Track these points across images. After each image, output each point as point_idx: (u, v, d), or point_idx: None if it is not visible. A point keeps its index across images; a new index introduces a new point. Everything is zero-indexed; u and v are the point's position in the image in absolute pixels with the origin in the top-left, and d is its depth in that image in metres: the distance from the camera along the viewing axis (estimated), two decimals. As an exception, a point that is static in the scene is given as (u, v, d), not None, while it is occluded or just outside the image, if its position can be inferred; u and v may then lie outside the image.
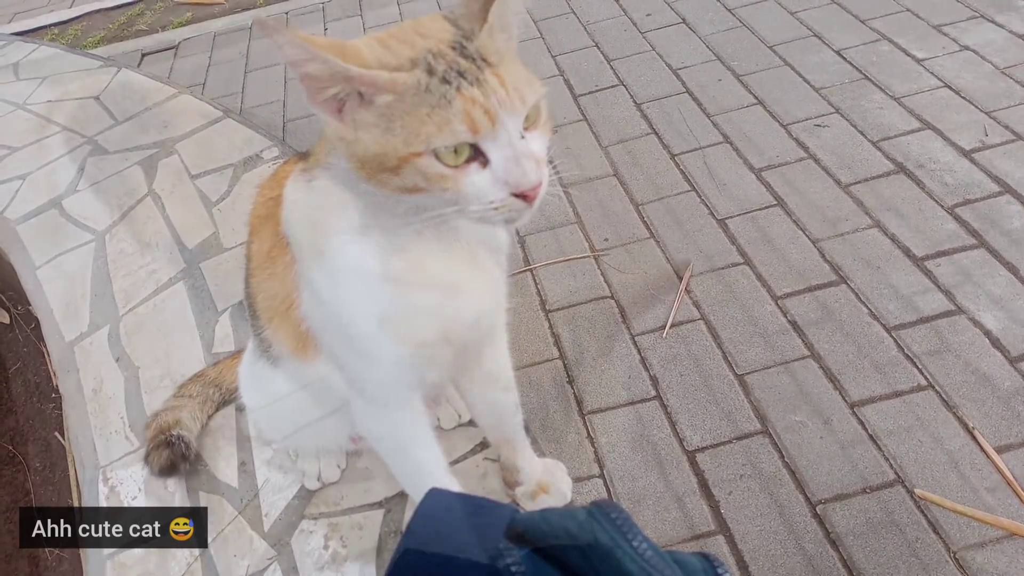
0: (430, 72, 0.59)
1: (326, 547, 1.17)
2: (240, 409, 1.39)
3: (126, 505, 1.30)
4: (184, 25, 3.03)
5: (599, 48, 2.30)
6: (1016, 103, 1.82)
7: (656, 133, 1.92)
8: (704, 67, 2.13)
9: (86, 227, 1.91)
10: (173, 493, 1.29)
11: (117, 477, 1.34)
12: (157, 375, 1.50)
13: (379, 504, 1.22)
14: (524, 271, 1.61)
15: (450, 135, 0.59)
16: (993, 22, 2.10)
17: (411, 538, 0.46)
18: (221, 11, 3.09)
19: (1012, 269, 1.45)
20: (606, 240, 1.66)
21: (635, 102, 2.05)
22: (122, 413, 1.45)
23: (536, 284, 1.58)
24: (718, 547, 1.13)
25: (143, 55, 2.79)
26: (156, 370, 1.51)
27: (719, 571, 0.47)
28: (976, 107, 1.83)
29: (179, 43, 2.86)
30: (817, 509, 1.16)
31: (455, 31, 0.62)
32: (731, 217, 1.66)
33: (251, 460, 1.32)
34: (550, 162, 0.66)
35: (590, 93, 2.11)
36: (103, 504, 1.31)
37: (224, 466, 1.32)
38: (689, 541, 1.15)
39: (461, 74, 0.60)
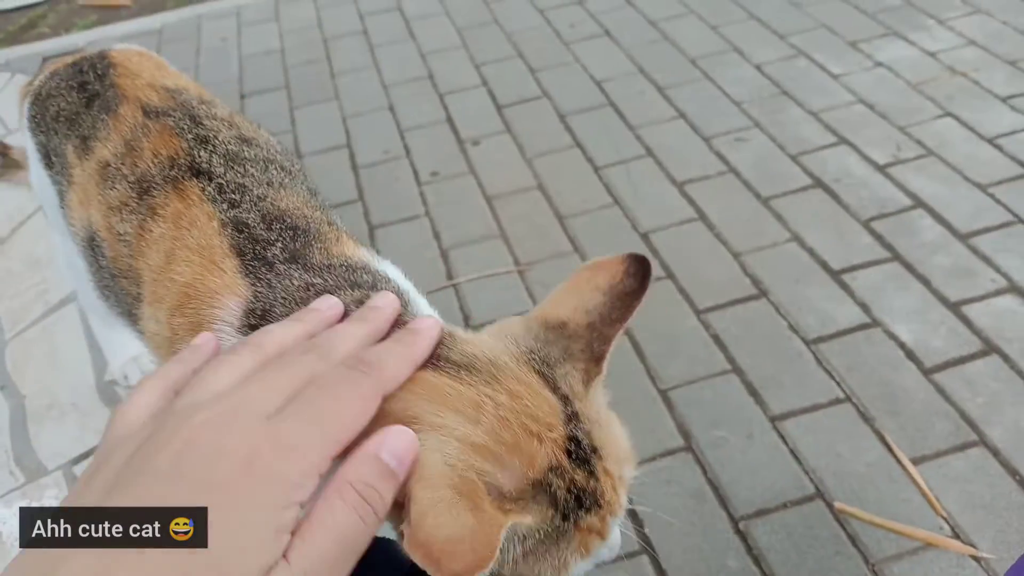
0: (554, 505, 0.45)
1: None
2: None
3: (8, 548, 1.21)
4: (90, 28, 2.90)
5: (523, 58, 2.29)
6: (928, 118, 1.87)
7: (580, 146, 1.92)
8: (627, 79, 2.14)
9: (-29, 242, 1.81)
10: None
11: (1, 516, 1.26)
12: (44, 403, 1.42)
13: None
14: (447, 286, 1.58)
15: (563, 570, 0.48)
16: (906, 39, 2.16)
17: None
18: (128, 14, 2.97)
19: (924, 282, 1.48)
20: (526, 255, 1.64)
21: (559, 114, 2.04)
22: (7, 446, 1.36)
23: (459, 300, 1.55)
24: (642, 568, 1.12)
25: (44, 59, 2.67)
26: (43, 398, 1.43)
27: None
28: (890, 122, 1.87)
29: (83, 47, 2.75)
30: (740, 525, 1.16)
31: (557, 400, 0.48)
32: (654, 231, 1.66)
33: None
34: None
35: (513, 105, 2.09)
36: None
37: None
38: (612, 562, 1.13)
39: (579, 499, 0.46)
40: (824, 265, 1.54)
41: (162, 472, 0.35)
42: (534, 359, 0.49)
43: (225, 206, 0.67)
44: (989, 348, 1.36)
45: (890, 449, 1.23)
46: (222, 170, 0.70)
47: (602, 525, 0.48)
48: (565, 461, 0.45)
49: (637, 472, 0.53)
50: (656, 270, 1.57)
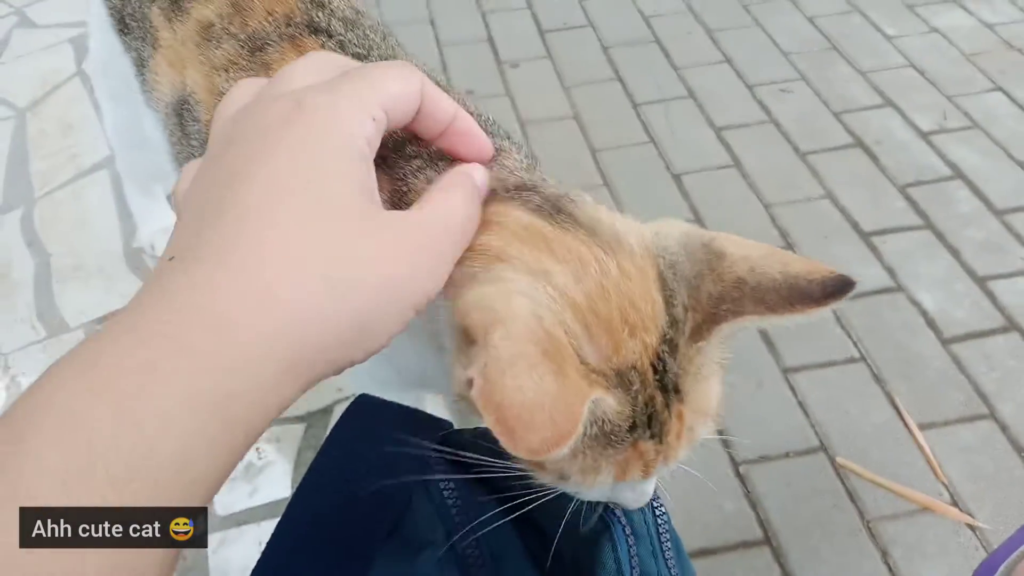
0: (632, 404, 0.40)
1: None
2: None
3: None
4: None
5: (571, -15, 2.23)
6: (976, 91, 1.83)
7: (621, 80, 1.88)
8: (676, 18, 2.09)
9: (6, 102, 1.80)
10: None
11: (19, 367, 1.29)
12: (70, 264, 1.43)
13: (300, 418, 1.20)
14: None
15: (590, 478, 0.42)
16: (964, 8, 2.10)
17: (334, 442, 0.43)
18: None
19: (954, 253, 1.46)
20: (560, 183, 1.62)
21: (603, 45, 2.00)
22: (29, 301, 1.38)
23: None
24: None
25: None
26: (70, 259, 1.44)
27: (655, 502, 0.46)
28: (938, 90, 1.83)
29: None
30: (740, 469, 1.17)
31: (666, 317, 0.41)
32: (687, 173, 1.64)
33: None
34: None
35: (557, 31, 2.05)
36: (2, 393, 1.26)
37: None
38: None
39: (649, 419, 0.41)
40: (855, 225, 1.52)
41: (219, 153, 0.35)
42: (663, 259, 0.42)
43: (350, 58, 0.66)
44: (1011, 325, 1.35)
45: (899, 412, 1.23)
46: (342, 30, 0.68)
47: (653, 461, 0.42)
48: (649, 372, 0.40)
49: (709, 436, 0.47)
50: (684, 213, 1.55)
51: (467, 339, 0.39)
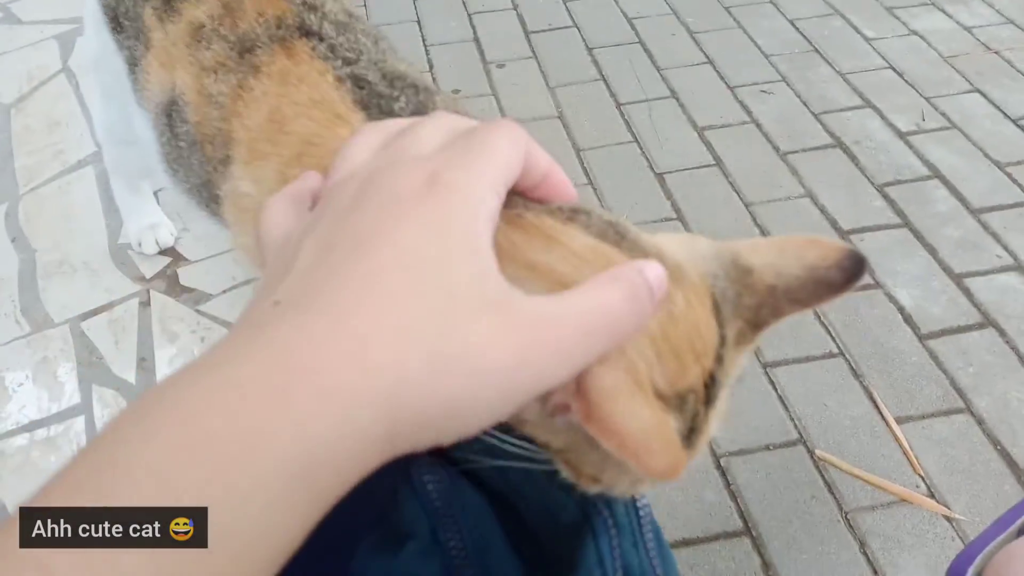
0: (687, 426, 0.42)
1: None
2: (143, 303, 1.35)
3: (11, 392, 1.24)
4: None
5: (556, -13, 2.25)
6: (954, 92, 1.86)
7: (605, 80, 1.90)
8: (659, 20, 2.11)
9: (-10, 98, 1.80)
10: (63, 383, 1.24)
11: (4, 362, 1.28)
12: (55, 259, 1.44)
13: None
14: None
15: (635, 486, 0.45)
16: (943, 11, 2.13)
17: None
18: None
19: (931, 251, 1.49)
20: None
21: (587, 46, 2.01)
22: (14, 296, 1.38)
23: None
24: (622, 490, 1.14)
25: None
26: (55, 254, 1.45)
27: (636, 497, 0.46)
28: (917, 91, 1.86)
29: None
30: (720, 461, 1.18)
31: (718, 338, 0.43)
32: (669, 172, 1.66)
33: (151, 357, 1.27)
34: None
35: (542, 31, 2.06)
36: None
37: (122, 361, 1.27)
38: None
39: (692, 432, 0.42)
40: (834, 224, 1.54)
41: (347, 208, 0.35)
42: (715, 286, 0.44)
43: (339, 63, 0.66)
44: (987, 321, 1.37)
45: (876, 406, 1.25)
46: (333, 33, 0.69)
47: (684, 465, 0.41)
48: (702, 391, 0.41)
49: None
50: (666, 211, 1.57)
51: None
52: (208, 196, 0.76)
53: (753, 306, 0.44)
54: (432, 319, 0.31)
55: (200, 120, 0.72)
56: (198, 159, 0.74)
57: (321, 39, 0.68)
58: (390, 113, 0.61)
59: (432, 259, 0.32)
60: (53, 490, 0.26)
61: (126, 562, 0.25)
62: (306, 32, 0.68)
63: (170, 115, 0.77)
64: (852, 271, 0.44)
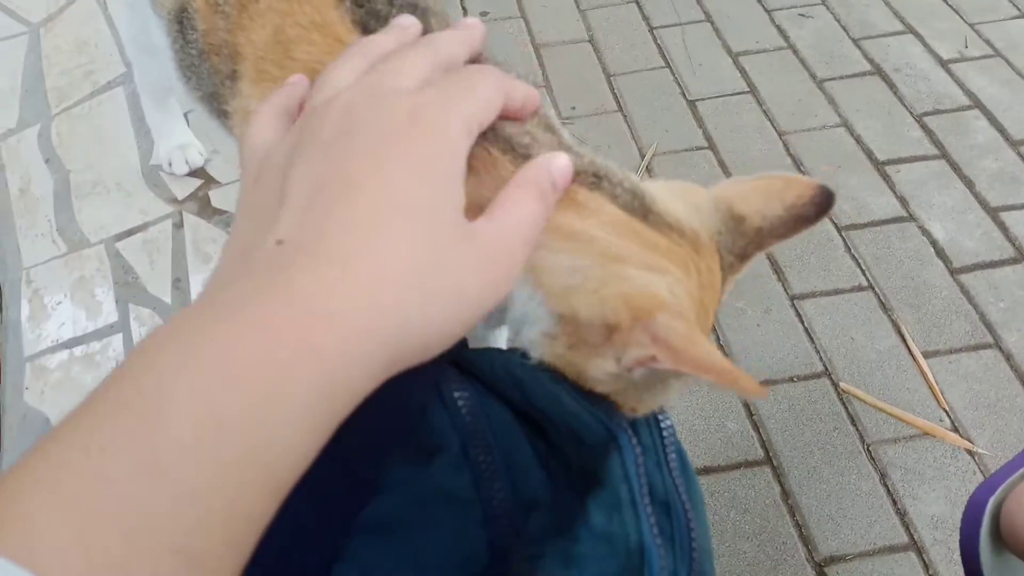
0: None
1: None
2: (177, 225, 1.36)
3: (49, 311, 1.27)
4: None
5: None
6: (1000, 18, 1.79)
7: (637, 2, 1.85)
8: (695, -61, 2.03)
9: (19, 18, 1.78)
10: (101, 302, 1.27)
11: (41, 280, 1.31)
12: (89, 180, 1.45)
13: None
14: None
15: (674, 395, 0.52)
16: (993, -69, 2.03)
17: None
18: None
19: (968, 183, 1.46)
20: (573, 109, 1.62)
21: (620, -34, 1.95)
22: (50, 216, 1.40)
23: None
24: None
25: None
26: (88, 175, 1.46)
27: (660, 416, 0.47)
28: (961, 17, 1.79)
29: None
30: (745, 392, 1.19)
31: (721, 281, 0.53)
32: (702, 99, 1.63)
33: (186, 278, 1.29)
34: None
35: (574, -49, 2.00)
36: (24, 307, 1.28)
37: (157, 281, 1.29)
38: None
39: None
40: (869, 154, 1.51)
41: (330, 140, 0.38)
42: (719, 242, 0.50)
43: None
44: (1020, 256, 1.35)
45: (904, 340, 1.24)
46: None
47: None
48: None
49: None
50: (698, 140, 1.55)
51: (603, 331, 0.43)
52: (218, 109, 0.76)
53: (743, 245, 0.51)
54: (426, 260, 0.35)
55: (207, 29, 0.71)
56: (207, 68, 0.74)
57: None
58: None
59: (421, 200, 0.36)
60: (96, 409, 0.29)
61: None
62: None
63: (181, 22, 0.76)
64: (824, 204, 0.52)
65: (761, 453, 1.13)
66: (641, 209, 0.47)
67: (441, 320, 0.36)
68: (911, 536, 1.06)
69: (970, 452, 1.13)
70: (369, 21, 0.61)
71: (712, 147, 1.53)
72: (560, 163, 0.43)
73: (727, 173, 1.48)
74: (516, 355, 0.47)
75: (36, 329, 1.24)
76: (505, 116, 0.45)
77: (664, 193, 0.50)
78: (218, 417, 0.28)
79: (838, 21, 1.79)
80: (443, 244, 0.36)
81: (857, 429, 1.15)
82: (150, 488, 0.27)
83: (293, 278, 0.33)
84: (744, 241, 0.51)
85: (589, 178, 0.46)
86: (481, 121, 0.40)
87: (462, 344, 0.49)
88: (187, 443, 0.28)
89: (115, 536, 0.26)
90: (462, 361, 0.47)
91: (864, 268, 1.33)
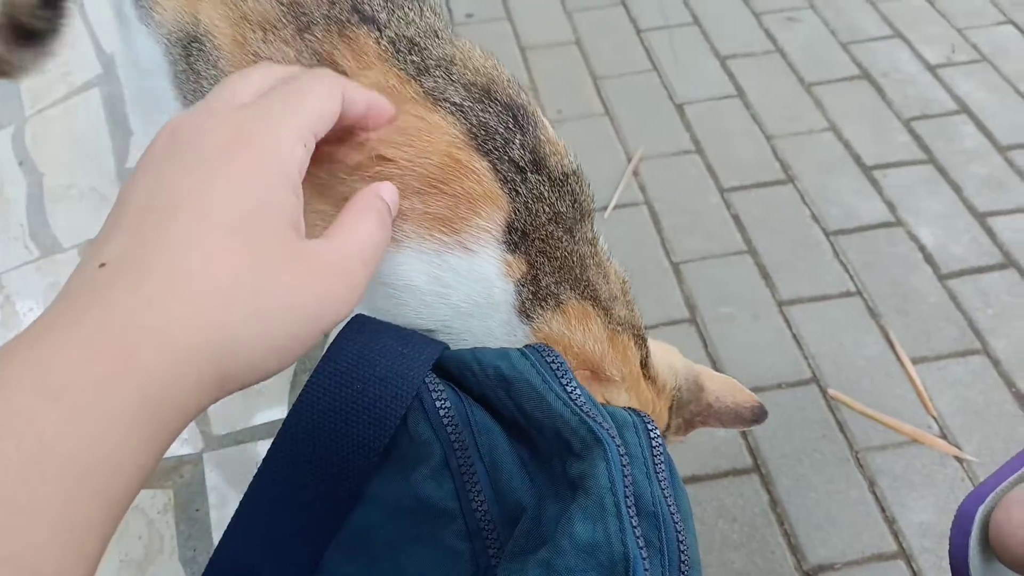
0: None
1: (239, 386, 1.16)
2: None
3: (21, 317, 1.24)
4: None
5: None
6: (987, 23, 1.79)
7: (624, 4, 1.84)
8: (683, -58, 2.03)
9: (-6, 19, 1.75)
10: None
11: (12, 286, 1.28)
12: (63, 184, 1.42)
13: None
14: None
15: None
16: (979, -64, 2.04)
17: (329, 361, 0.43)
18: None
19: (956, 188, 1.45)
20: (559, 112, 1.60)
21: (607, -31, 1.94)
22: (22, 220, 1.37)
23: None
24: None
25: None
26: (62, 178, 1.43)
27: (649, 426, 0.46)
28: (948, 22, 1.79)
29: None
30: (733, 399, 1.18)
31: (666, 425, 0.68)
32: (689, 103, 1.62)
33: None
34: None
35: (561, -47, 1.99)
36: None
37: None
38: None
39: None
40: (857, 159, 1.51)
41: (159, 161, 0.38)
42: (678, 395, 0.65)
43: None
44: (1008, 262, 1.35)
45: (892, 346, 1.23)
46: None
47: None
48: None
49: None
50: (685, 144, 1.54)
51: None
52: None
53: (693, 412, 0.66)
54: (249, 276, 0.35)
55: (235, 70, 0.68)
56: None
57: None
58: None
59: (243, 216, 0.36)
60: None
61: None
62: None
63: (188, 52, 0.72)
64: (755, 419, 0.68)
65: (749, 461, 1.12)
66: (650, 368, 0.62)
67: (271, 337, 0.36)
68: (900, 544, 1.05)
69: (959, 459, 1.12)
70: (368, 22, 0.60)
71: (700, 151, 1.52)
72: (390, 192, 0.46)
73: (715, 177, 1.47)
74: (508, 354, 0.46)
75: (8, 335, 1.19)
76: (350, 125, 0.47)
77: (662, 354, 0.65)
78: (38, 431, 0.28)
79: (826, 25, 1.79)
80: (269, 261, 0.36)
81: (846, 436, 1.14)
82: None
83: (112, 296, 0.33)
84: (696, 409, 0.66)
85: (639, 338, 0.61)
86: (315, 131, 0.41)
87: (444, 346, 0.48)
88: (11, 457, 0.28)
89: None
90: (447, 363, 0.46)
91: (852, 274, 1.33)
